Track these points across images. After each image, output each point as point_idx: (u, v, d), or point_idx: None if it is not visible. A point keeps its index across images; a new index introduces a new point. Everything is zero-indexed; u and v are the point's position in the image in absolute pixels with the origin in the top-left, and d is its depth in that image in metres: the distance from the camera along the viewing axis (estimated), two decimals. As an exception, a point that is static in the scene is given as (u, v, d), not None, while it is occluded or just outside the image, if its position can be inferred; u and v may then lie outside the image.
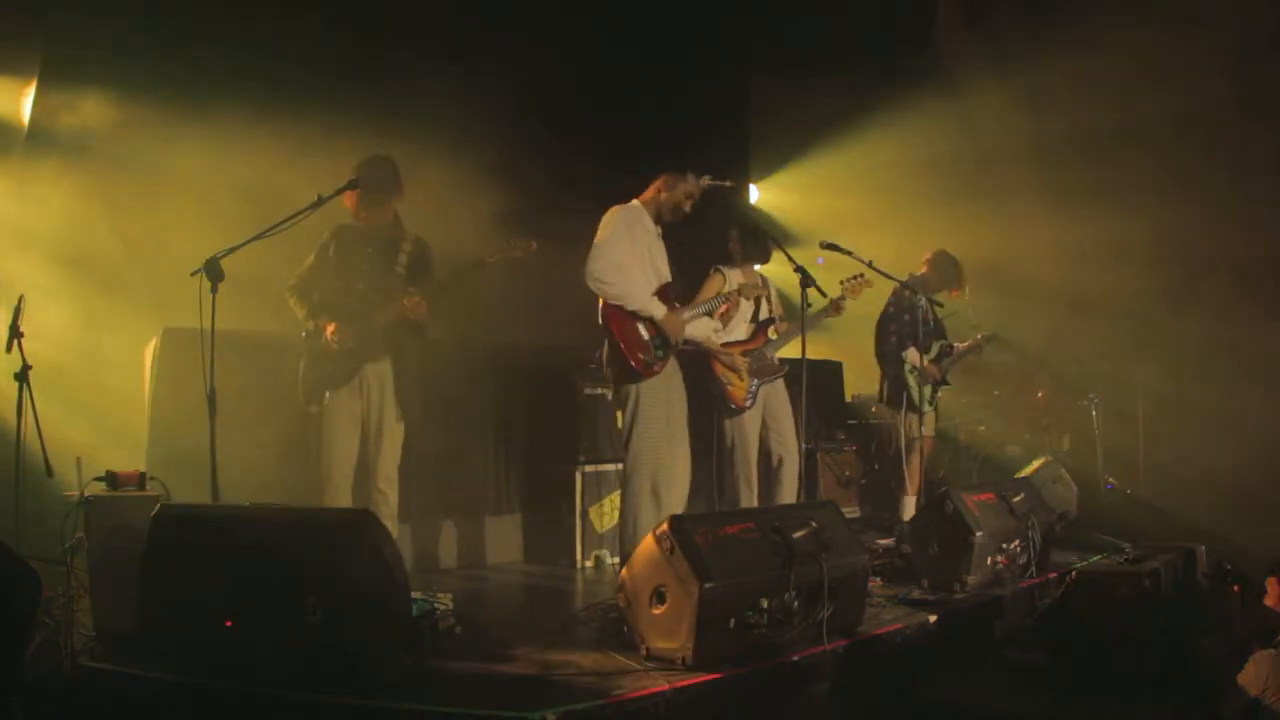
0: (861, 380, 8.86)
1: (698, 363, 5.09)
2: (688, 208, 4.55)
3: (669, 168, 4.55)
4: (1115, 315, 7.65)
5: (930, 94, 8.48)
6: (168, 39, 5.34)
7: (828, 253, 5.17)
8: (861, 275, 5.37)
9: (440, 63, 6.17)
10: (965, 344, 6.30)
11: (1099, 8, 7.49)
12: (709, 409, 5.17)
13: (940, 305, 6.09)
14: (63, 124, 5.25)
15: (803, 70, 8.62)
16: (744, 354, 5.22)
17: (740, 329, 5.32)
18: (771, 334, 5.34)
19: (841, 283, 5.35)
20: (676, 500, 4.45)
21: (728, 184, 4.64)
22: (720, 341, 5.21)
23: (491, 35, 6.48)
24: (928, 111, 8.42)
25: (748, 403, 5.17)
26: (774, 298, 5.48)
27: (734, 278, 5.22)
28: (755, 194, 9.58)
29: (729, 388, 5.15)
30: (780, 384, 5.32)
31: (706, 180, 4.55)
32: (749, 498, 5.19)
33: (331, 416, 4.39)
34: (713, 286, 5.17)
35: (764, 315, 5.38)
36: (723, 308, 4.95)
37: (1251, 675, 3.44)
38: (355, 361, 4.39)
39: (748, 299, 5.18)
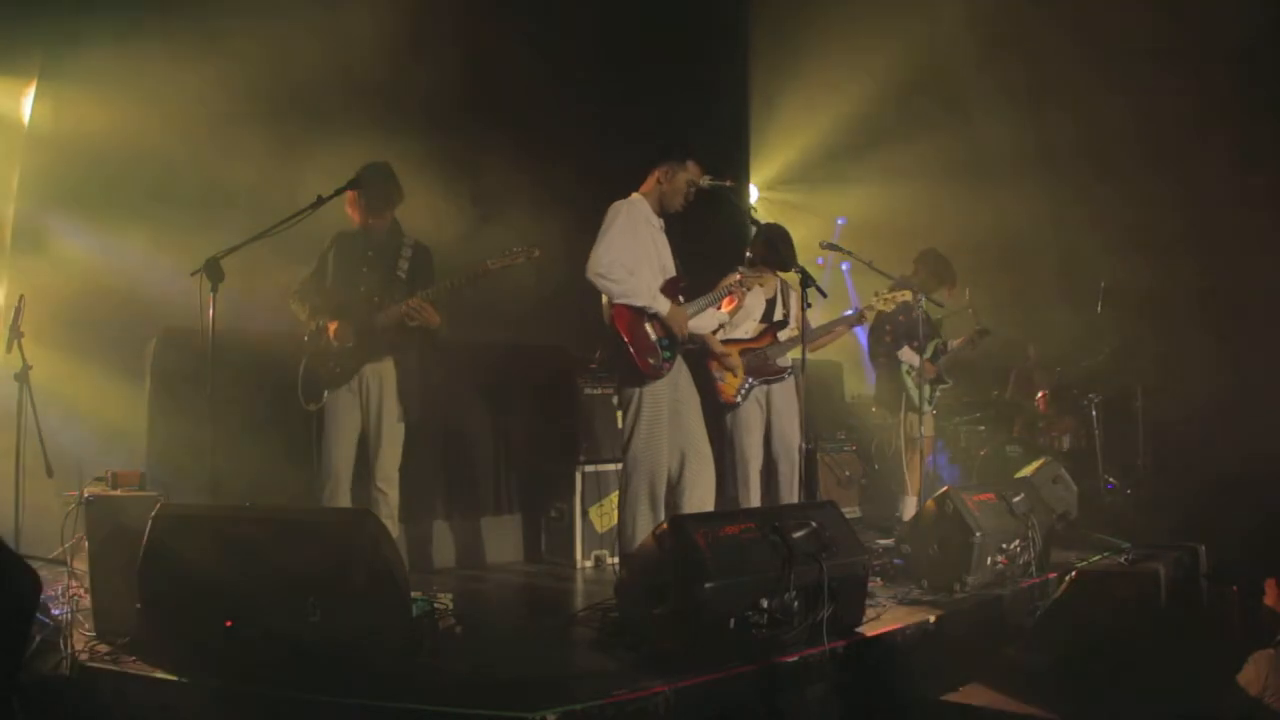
0: (862, 380, 8.88)
1: (693, 359, 5.09)
2: (691, 195, 4.48)
3: (667, 156, 4.47)
4: (1117, 312, 7.64)
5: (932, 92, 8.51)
6: (167, 36, 5.33)
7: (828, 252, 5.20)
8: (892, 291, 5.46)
9: (438, 63, 6.16)
10: (959, 340, 6.30)
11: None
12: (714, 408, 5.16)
13: (940, 305, 6.09)
14: (62, 123, 5.25)
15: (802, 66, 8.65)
16: (743, 352, 5.23)
17: (747, 327, 5.31)
18: (781, 336, 5.33)
19: (876, 294, 5.47)
20: (701, 498, 4.38)
21: (727, 184, 4.62)
22: (723, 338, 5.21)
23: (489, 36, 6.48)
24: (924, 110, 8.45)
25: (737, 399, 5.17)
26: (793, 304, 5.45)
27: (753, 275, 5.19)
28: (755, 194, 9.59)
29: (719, 384, 5.16)
30: (790, 389, 5.30)
31: (707, 180, 4.53)
32: (747, 497, 5.18)
33: (331, 415, 4.39)
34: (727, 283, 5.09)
35: (777, 317, 5.38)
36: (727, 299, 4.89)
37: (1251, 675, 3.44)
38: (355, 361, 4.39)
39: (749, 290, 5.05)
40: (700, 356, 5.13)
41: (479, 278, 4.39)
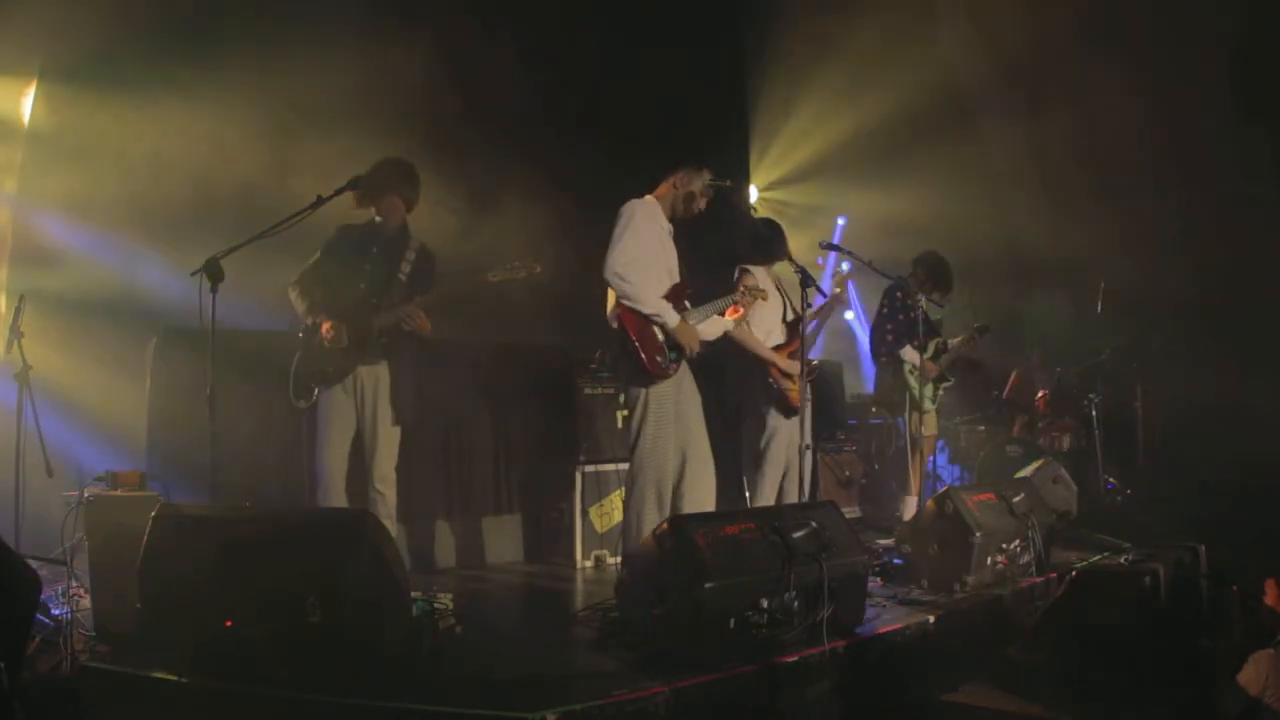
0: (862, 380, 8.88)
1: (729, 366, 5.09)
2: (702, 204, 4.49)
3: (683, 163, 4.47)
4: (1117, 313, 7.64)
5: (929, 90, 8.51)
6: (166, 37, 5.33)
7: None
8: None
9: (434, 61, 6.17)
10: (959, 338, 6.30)
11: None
12: (720, 409, 5.14)
13: (940, 306, 6.09)
14: (62, 123, 5.25)
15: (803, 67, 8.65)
16: (790, 356, 5.21)
17: (777, 332, 5.28)
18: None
19: (834, 273, 5.44)
20: (701, 499, 4.38)
21: (726, 184, 4.62)
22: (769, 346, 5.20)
23: (488, 35, 6.48)
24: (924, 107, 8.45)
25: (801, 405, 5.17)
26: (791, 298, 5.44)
27: (760, 276, 5.16)
28: (755, 194, 9.59)
29: (788, 393, 5.10)
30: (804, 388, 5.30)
31: (708, 180, 4.53)
32: (772, 497, 5.16)
33: (323, 415, 4.39)
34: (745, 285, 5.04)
35: (790, 316, 5.36)
36: (731, 308, 4.83)
37: (1251, 675, 3.44)
38: (349, 361, 4.39)
39: (754, 300, 4.98)
40: (749, 365, 5.14)
41: (478, 288, 4.40)
